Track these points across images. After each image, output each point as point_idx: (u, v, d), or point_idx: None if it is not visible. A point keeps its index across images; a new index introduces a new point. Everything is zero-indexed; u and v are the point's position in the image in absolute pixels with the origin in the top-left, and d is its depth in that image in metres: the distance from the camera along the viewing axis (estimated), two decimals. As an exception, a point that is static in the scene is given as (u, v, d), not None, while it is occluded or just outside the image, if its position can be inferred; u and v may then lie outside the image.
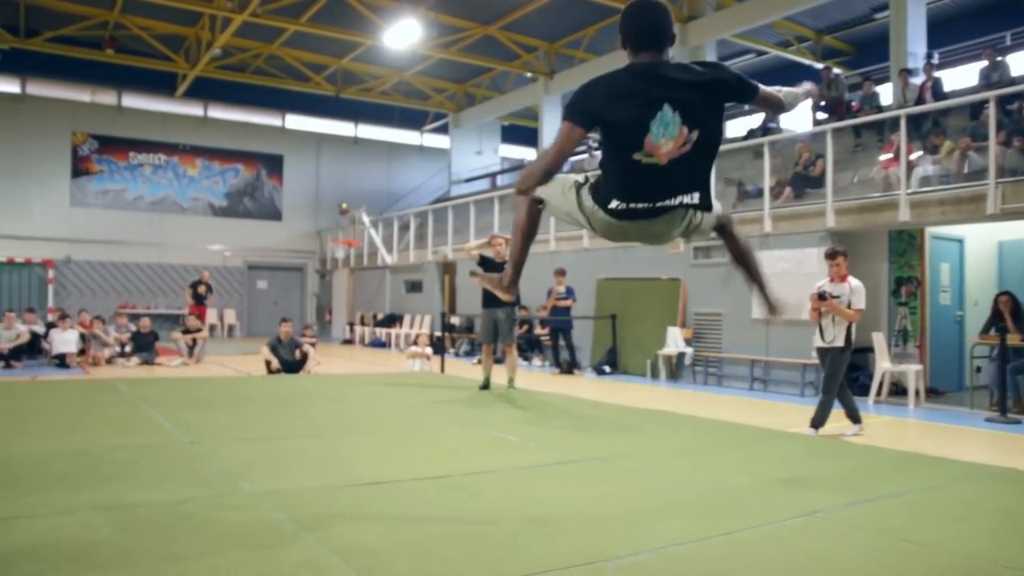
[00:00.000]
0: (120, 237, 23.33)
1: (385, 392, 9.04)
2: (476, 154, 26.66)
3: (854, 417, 7.74)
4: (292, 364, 11.26)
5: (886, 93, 14.32)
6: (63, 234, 22.59)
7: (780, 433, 7.05)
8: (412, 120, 27.64)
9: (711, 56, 18.14)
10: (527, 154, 28.57)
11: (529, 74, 22.75)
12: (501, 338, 9.47)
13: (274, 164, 25.95)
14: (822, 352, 7.64)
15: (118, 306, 21.67)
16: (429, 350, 13.14)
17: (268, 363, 11.19)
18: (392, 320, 20.80)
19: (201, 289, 18.92)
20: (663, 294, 13.09)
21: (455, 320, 18.16)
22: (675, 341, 12.47)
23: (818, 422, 7.50)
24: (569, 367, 13.78)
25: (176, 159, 24.50)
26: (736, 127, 19.82)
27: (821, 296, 7.44)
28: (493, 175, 26.09)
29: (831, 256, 7.63)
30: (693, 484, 4.66)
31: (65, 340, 13.26)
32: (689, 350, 12.45)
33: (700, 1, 17.72)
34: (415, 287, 20.66)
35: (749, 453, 5.82)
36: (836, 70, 15.18)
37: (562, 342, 14.15)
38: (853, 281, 7.51)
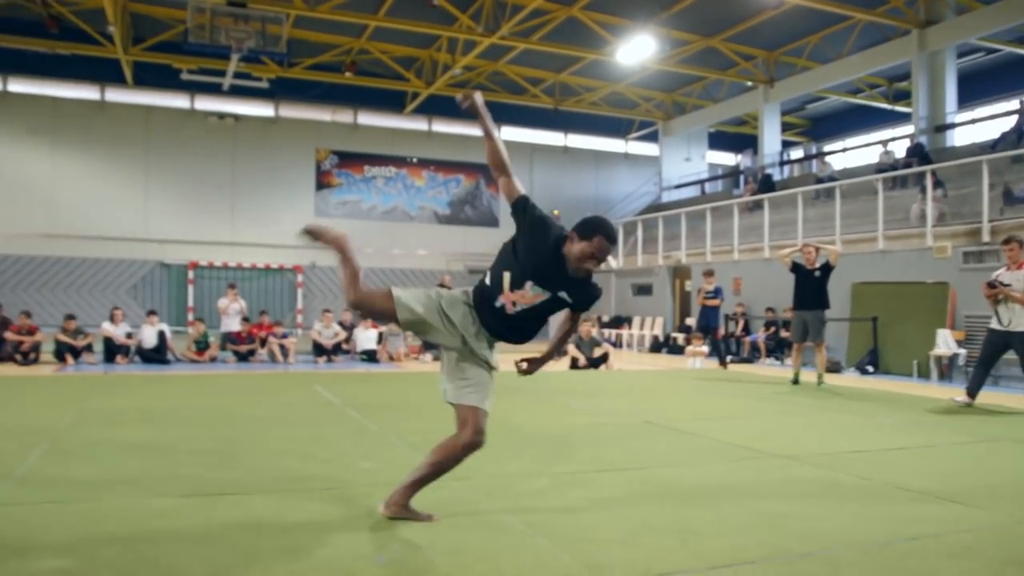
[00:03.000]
0: (356, 244, 25.34)
1: (709, 386, 10.05)
2: (685, 160, 27.42)
3: (972, 393, 8.16)
4: (594, 361, 12.45)
5: None
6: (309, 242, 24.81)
7: None
8: (619, 129, 28.62)
9: (951, 60, 18.21)
10: (733, 160, 28.99)
11: (749, 83, 23.25)
12: (811, 337, 10.27)
13: (491, 174, 27.45)
14: (994, 334, 8.06)
15: (354, 308, 23.69)
16: (705, 349, 14.12)
17: (575, 360, 12.39)
18: (620, 321, 21.84)
19: (443, 292, 20.56)
20: (928, 297, 13.49)
21: (689, 322, 18.98)
22: (946, 342, 12.86)
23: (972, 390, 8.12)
24: (722, 361, 14.03)
25: (405, 171, 26.49)
26: (977, 131, 19.71)
27: (991, 284, 8.00)
28: (702, 182, 26.78)
29: (1006, 243, 8.17)
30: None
31: (368, 338, 14.94)
32: (962, 351, 12.81)
33: (940, 5, 17.74)
34: (643, 290, 21.62)
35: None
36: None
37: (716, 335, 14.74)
38: None
